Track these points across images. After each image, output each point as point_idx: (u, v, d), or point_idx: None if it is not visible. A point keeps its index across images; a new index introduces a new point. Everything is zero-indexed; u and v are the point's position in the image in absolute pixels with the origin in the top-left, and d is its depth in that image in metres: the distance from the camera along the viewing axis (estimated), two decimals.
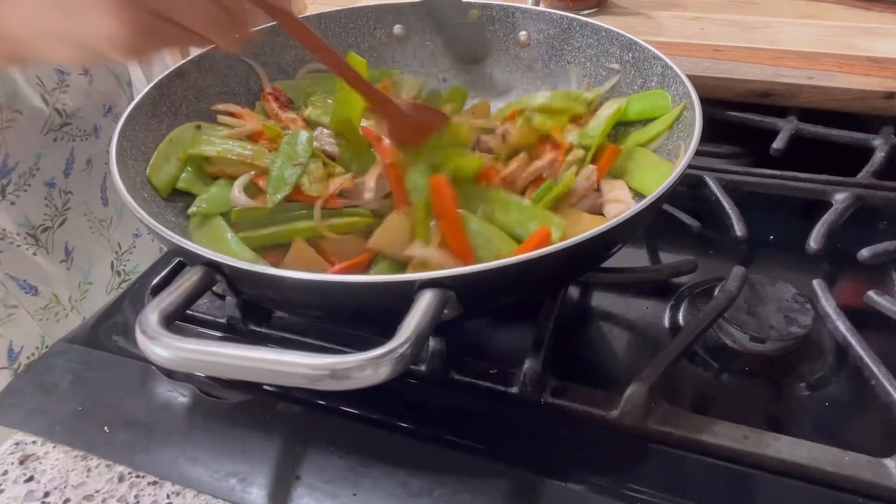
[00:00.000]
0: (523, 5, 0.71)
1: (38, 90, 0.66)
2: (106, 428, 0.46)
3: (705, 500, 0.40)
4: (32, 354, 0.68)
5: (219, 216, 0.53)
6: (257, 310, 0.53)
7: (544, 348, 0.46)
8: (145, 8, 0.34)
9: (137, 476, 0.43)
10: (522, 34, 0.71)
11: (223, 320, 0.54)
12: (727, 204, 0.63)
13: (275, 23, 0.68)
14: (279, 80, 0.68)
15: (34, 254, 0.66)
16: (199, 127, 0.58)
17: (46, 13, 0.35)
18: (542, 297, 0.50)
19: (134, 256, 0.79)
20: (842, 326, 0.49)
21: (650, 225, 0.60)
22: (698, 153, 0.48)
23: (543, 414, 0.46)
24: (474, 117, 0.64)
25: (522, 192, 0.55)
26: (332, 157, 0.57)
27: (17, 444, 0.46)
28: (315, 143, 0.56)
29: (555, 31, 0.69)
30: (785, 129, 0.73)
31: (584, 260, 0.46)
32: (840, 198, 0.63)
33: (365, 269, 0.51)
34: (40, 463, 0.45)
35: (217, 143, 0.56)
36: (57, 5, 0.35)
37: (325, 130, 0.60)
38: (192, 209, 0.54)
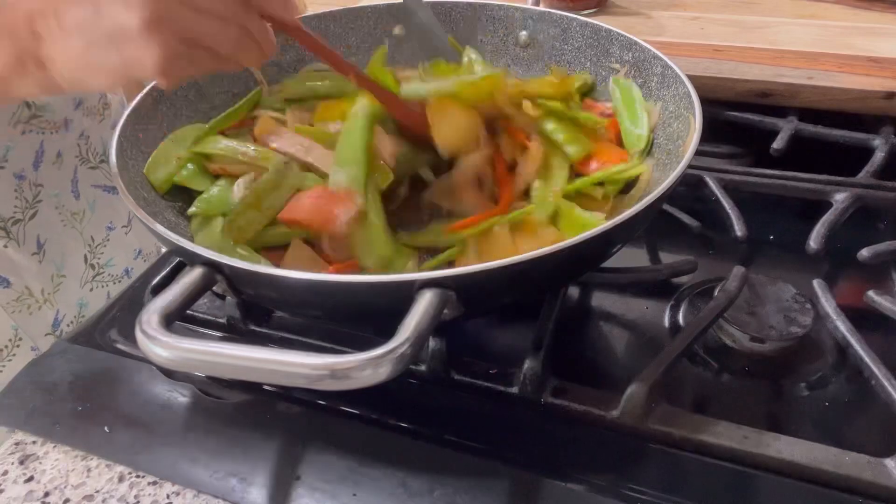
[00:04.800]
0: (523, 5, 0.71)
1: None
2: (106, 428, 0.46)
3: (705, 500, 0.40)
4: (6, 347, 0.67)
5: (219, 216, 0.53)
6: (257, 310, 0.53)
7: (544, 348, 0.46)
8: (179, 38, 0.39)
9: (137, 476, 0.43)
10: (522, 34, 0.71)
11: (223, 320, 0.54)
12: (727, 204, 0.63)
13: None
14: (281, 79, 0.68)
15: (5, 246, 0.66)
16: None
17: (94, 50, 0.40)
18: (542, 297, 0.50)
19: (108, 250, 0.79)
20: (842, 326, 0.49)
21: (650, 225, 0.60)
22: (698, 153, 0.48)
23: (543, 414, 0.46)
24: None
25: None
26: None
27: (17, 444, 0.46)
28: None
29: (555, 31, 0.69)
30: (785, 129, 0.73)
31: (584, 260, 0.46)
32: (840, 198, 0.63)
33: (362, 268, 0.51)
34: (40, 463, 0.45)
35: (221, 141, 0.56)
36: (105, 42, 0.39)
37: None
38: (192, 210, 0.54)
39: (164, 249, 0.71)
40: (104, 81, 0.42)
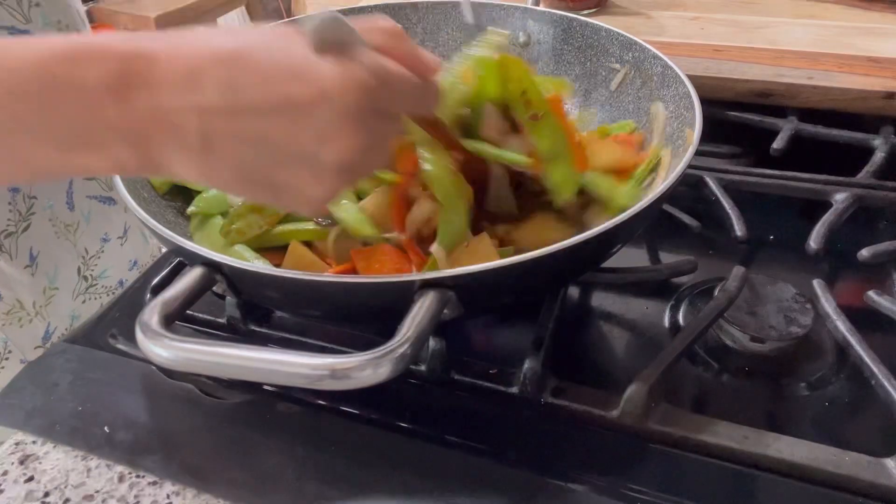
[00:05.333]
0: (523, 5, 0.71)
1: None
2: (106, 428, 0.46)
3: (705, 500, 0.40)
4: None
5: (218, 216, 0.53)
6: (257, 310, 0.53)
7: (544, 348, 0.46)
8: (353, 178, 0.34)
9: (137, 476, 0.43)
10: (522, 34, 0.71)
11: (223, 320, 0.54)
12: (727, 204, 0.63)
13: None
14: None
15: None
16: None
17: (249, 172, 0.32)
18: (542, 297, 0.50)
19: (102, 262, 0.78)
20: (842, 326, 0.49)
21: (650, 225, 0.60)
22: (698, 153, 0.48)
23: (543, 414, 0.46)
24: None
25: None
26: None
27: (17, 444, 0.46)
28: None
29: (555, 31, 0.69)
30: (785, 129, 0.73)
31: (584, 260, 0.46)
32: (840, 198, 0.63)
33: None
34: (40, 463, 0.45)
35: None
36: (273, 170, 0.32)
37: None
38: (191, 209, 0.54)
39: (163, 249, 0.71)
40: (247, 196, 0.37)
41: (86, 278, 0.76)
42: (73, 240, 0.74)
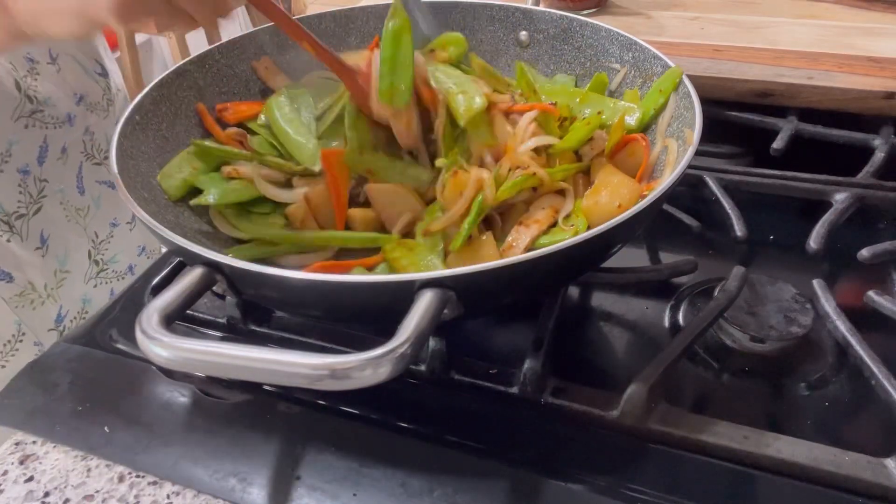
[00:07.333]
0: (523, 5, 0.71)
1: (11, 75, 0.65)
2: (106, 428, 0.46)
3: (705, 500, 0.40)
4: (9, 342, 0.67)
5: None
6: (257, 310, 0.53)
7: (544, 348, 0.46)
8: None
9: (137, 476, 0.43)
10: (522, 34, 0.71)
11: (223, 320, 0.54)
12: (727, 204, 0.63)
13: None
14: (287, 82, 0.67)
15: (8, 240, 0.66)
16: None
17: None
18: (542, 297, 0.50)
19: (112, 246, 0.78)
20: (842, 326, 0.49)
21: (650, 225, 0.60)
22: (698, 153, 0.48)
23: (543, 414, 0.46)
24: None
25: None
26: None
27: (17, 444, 0.46)
28: None
29: (555, 31, 0.69)
30: (785, 129, 0.73)
31: (584, 260, 0.46)
32: (840, 198, 0.63)
33: (346, 270, 0.51)
34: (40, 463, 0.45)
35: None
36: None
37: None
38: (200, 200, 0.53)
39: (164, 248, 0.71)
40: (65, 25, 0.45)
41: (96, 262, 0.77)
42: (83, 223, 0.74)
